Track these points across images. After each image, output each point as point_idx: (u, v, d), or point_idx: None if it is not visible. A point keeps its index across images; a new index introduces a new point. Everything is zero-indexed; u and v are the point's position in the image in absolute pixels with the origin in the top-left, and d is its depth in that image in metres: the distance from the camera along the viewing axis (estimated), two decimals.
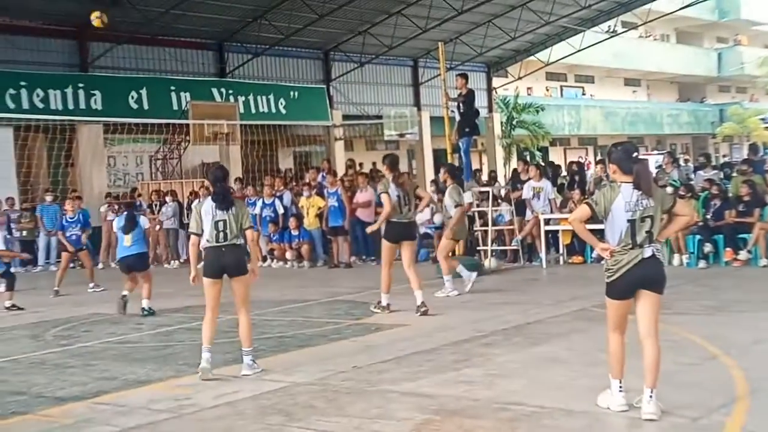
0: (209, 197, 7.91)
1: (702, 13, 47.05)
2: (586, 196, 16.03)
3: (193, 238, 7.92)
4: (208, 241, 7.69)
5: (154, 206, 20.20)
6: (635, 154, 5.73)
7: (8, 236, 16.29)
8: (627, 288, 5.73)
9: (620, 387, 5.79)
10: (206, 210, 7.71)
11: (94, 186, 22.63)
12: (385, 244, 10.73)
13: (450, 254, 12.69)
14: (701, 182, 16.12)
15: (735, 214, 14.01)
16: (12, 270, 19.00)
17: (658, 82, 52.25)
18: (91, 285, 15.14)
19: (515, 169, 20.44)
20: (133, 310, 12.33)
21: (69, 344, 9.82)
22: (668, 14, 33.87)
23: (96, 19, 18.30)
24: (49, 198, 20.07)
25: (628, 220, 5.64)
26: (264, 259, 18.42)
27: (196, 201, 19.38)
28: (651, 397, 5.59)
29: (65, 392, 7.28)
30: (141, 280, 12.22)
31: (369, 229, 12.02)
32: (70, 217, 15.75)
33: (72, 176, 22.57)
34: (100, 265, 20.30)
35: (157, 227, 20.00)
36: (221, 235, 7.63)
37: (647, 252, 5.66)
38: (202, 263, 7.78)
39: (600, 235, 5.97)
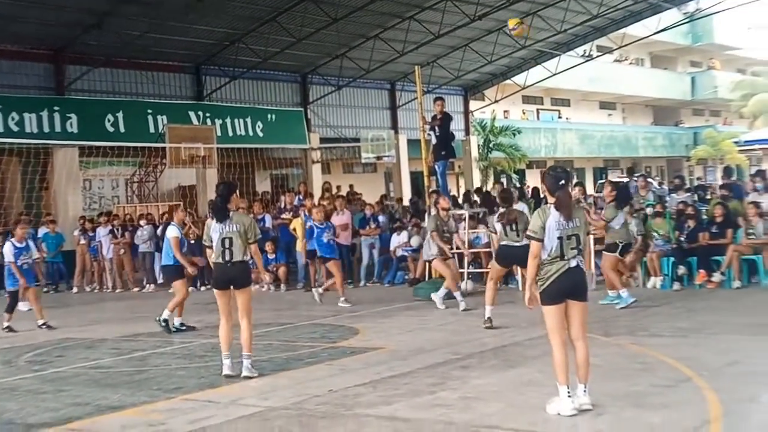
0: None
1: (676, 38, 47.63)
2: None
3: (207, 250, 8.76)
4: (215, 257, 8.34)
5: (116, 230, 20.07)
6: (562, 182, 6.47)
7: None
8: (558, 293, 6.37)
9: (568, 393, 6.21)
10: (214, 227, 8.37)
11: (69, 209, 22.45)
12: (494, 265, 11.55)
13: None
14: (675, 204, 16.25)
15: (708, 236, 14.13)
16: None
17: (633, 106, 52.74)
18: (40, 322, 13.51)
19: (487, 192, 20.48)
20: (106, 334, 12.26)
21: (42, 369, 9.70)
22: (642, 39, 34.19)
23: (519, 27, 17.08)
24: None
25: (558, 237, 6.36)
26: None
27: (170, 225, 19.29)
28: (585, 391, 6.28)
29: (36, 418, 7.18)
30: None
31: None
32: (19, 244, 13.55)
33: (46, 200, 22.38)
34: (75, 290, 20.17)
35: (121, 251, 19.89)
36: (227, 253, 8.29)
37: (572, 262, 6.39)
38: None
39: None
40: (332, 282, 14.50)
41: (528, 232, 6.60)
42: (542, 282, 6.40)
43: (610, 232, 12.52)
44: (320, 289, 14.56)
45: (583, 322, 6.45)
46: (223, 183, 9.12)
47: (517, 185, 28.43)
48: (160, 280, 20.00)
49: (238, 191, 9.49)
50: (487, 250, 15.94)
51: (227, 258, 8.30)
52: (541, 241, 6.37)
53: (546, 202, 6.69)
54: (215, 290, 8.52)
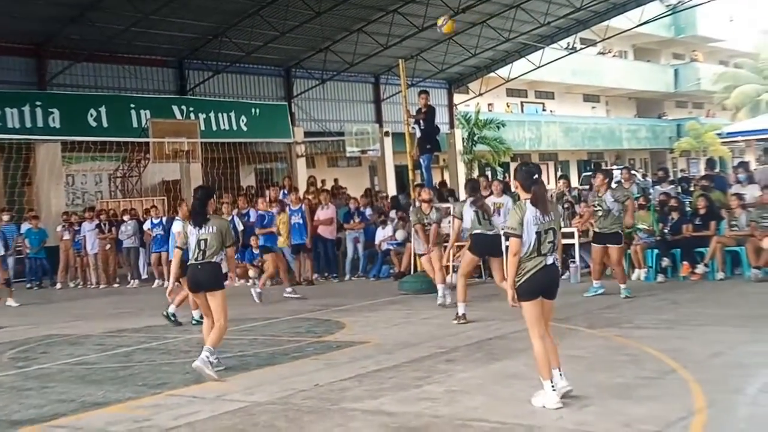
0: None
1: (659, 30, 47.81)
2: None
3: (176, 251, 8.72)
4: (189, 258, 8.33)
5: (103, 225, 19.95)
6: (535, 176, 6.52)
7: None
8: (535, 288, 6.44)
9: (552, 387, 6.26)
10: (190, 229, 8.39)
11: (51, 205, 22.32)
12: (467, 256, 11.18)
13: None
14: (659, 196, 16.31)
15: (692, 228, 14.18)
16: None
17: (616, 98, 52.94)
18: None
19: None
20: (91, 330, 12.20)
21: (26, 366, 9.64)
22: (625, 31, 34.32)
23: (446, 25, 16.34)
24: (6, 218, 19.78)
25: (536, 232, 6.40)
26: (225, 277, 18.27)
27: (148, 221, 19.17)
28: (561, 374, 6.35)
29: (21, 415, 7.14)
30: None
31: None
32: None
33: (29, 195, 22.24)
34: (58, 286, 20.06)
35: (107, 246, 19.78)
36: (200, 253, 8.27)
37: (549, 260, 6.46)
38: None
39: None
40: (267, 275, 14.75)
41: (506, 229, 6.61)
42: (519, 278, 6.44)
43: (610, 221, 12.15)
44: (258, 288, 14.52)
45: (549, 319, 6.62)
46: (200, 187, 9.11)
47: (502, 178, 28.45)
48: (144, 276, 19.94)
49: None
50: None
51: (199, 258, 8.27)
52: (520, 237, 6.38)
53: (518, 198, 6.71)
54: (190, 292, 8.66)
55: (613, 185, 13.21)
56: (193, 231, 8.34)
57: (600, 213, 12.29)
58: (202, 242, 8.27)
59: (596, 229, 12.48)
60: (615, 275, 12.48)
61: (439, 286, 12.43)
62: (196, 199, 8.57)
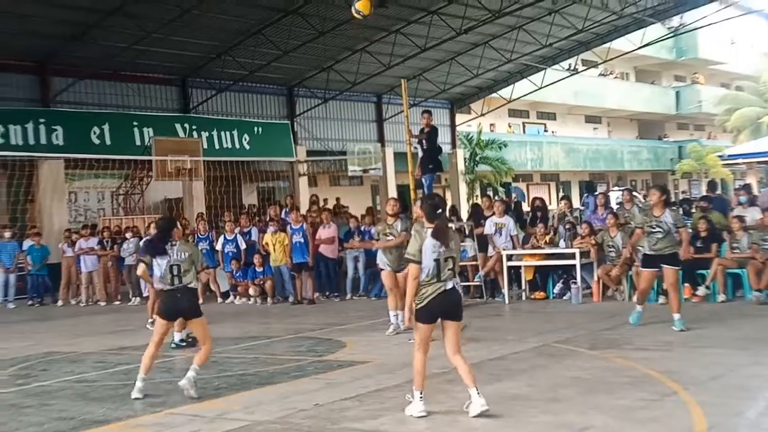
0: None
1: (660, 53, 47.92)
2: (549, 231, 16.22)
3: (140, 266, 8.76)
4: (162, 284, 8.12)
5: (105, 242, 19.94)
6: (439, 211, 6.95)
7: None
8: (432, 313, 6.84)
9: (421, 396, 6.82)
10: (157, 259, 8.27)
11: (54, 222, 22.33)
12: None
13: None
14: None
15: (693, 250, 14.16)
16: None
17: (618, 120, 53.02)
18: None
19: (476, 204, 20.47)
20: (91, 348, 12.18)
21: (25, 384, 9.61)
22: (627, 53, 34.46)
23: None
24: (7, 234, 19.80)
25: (435, 260, 6.79)
26: (226, 295, 18.31)
27: (146, 238, 19.13)
28: (478, 393, 6.67)
29: None
30: None
31: None
32: None
33: (31, 212, 22.27)
34: (60, 303, 20.03)
35: (109, 263, 19.78)
36: (176, 279, 8.08)
37: (449, 284, 6.85)
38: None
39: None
40: None
41: (407, 255, 6.96)
42: (419, 301, 6.83)
43: (669, 241, 11.16)
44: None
45: (457, 340, 6.94)
46: (162, 218, 9.01)
47: (504, 198, 28.48)
48: (145, 293, 19.89)
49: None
50: (474, 263, 15.93)
51: (175, 283, 8.11)
52: (419, 263, 6.78)
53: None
54: (160, 319, 8.29)
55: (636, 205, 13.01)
56: (165, 257, 8.17)
57: (660, 234, 11.18)
58: (175, 268, 8.11)
59: (650, 251, 11.29)
60: (670, 301, 11.36)
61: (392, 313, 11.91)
62: (157, 230, 8.46)
